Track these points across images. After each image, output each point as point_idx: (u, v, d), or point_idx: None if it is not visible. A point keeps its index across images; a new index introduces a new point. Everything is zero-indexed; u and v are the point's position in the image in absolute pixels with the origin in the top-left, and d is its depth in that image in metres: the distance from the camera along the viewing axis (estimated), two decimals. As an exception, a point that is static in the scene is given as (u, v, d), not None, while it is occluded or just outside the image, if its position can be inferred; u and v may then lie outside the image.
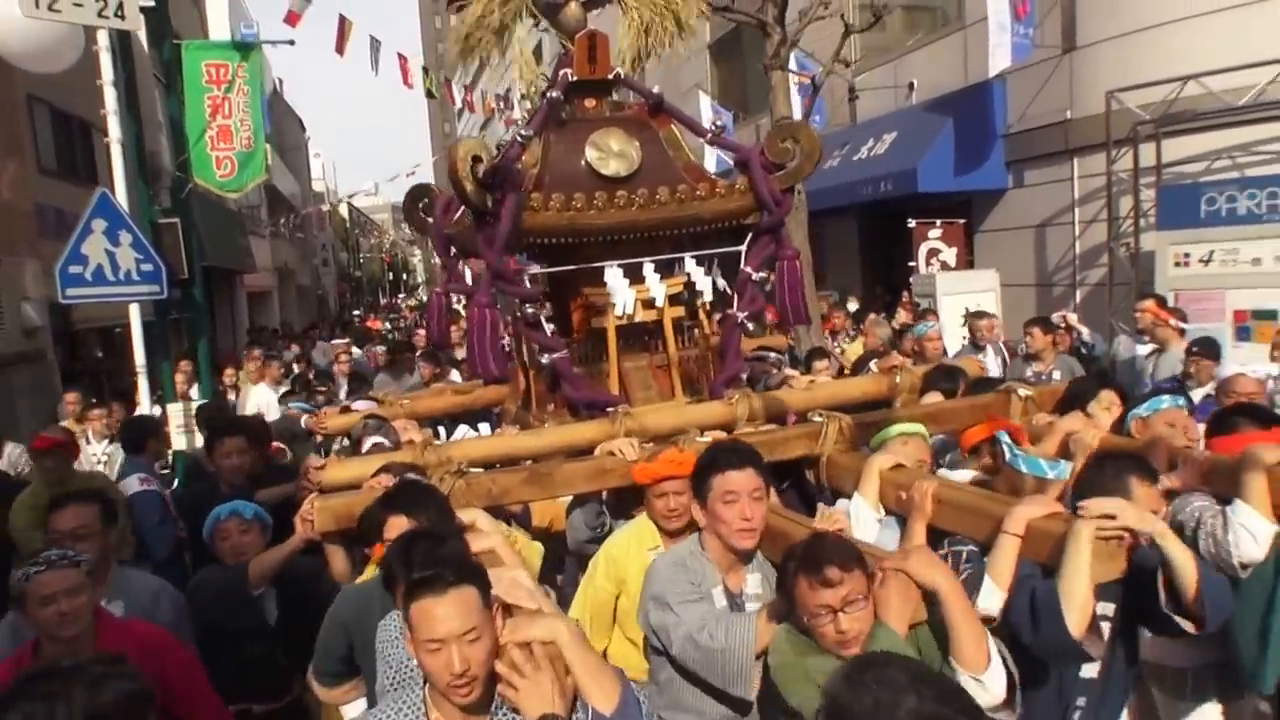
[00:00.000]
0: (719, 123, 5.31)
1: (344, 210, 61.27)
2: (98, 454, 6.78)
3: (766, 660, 2.37)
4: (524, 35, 4.38)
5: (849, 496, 3.38)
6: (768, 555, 2.82)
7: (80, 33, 6.16)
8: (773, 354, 6.13)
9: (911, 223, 11.05)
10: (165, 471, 6.11)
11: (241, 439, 4.58)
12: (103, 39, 6.16)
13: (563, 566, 3.92)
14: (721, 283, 4.23)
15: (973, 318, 7.75)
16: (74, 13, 5.82)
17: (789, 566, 2.27)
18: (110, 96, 6.11)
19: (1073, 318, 8.00)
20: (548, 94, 4.21)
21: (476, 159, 3.61)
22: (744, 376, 4.67)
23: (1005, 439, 3.12)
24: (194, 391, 7.36)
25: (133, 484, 4.84)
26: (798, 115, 13.65)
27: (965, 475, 3.31)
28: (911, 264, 11.14)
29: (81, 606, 2.73)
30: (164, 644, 2.93)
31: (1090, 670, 2.63)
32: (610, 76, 4.30)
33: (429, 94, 12.83)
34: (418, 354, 8.85)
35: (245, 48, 7.25)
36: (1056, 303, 10.50)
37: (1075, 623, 2.30)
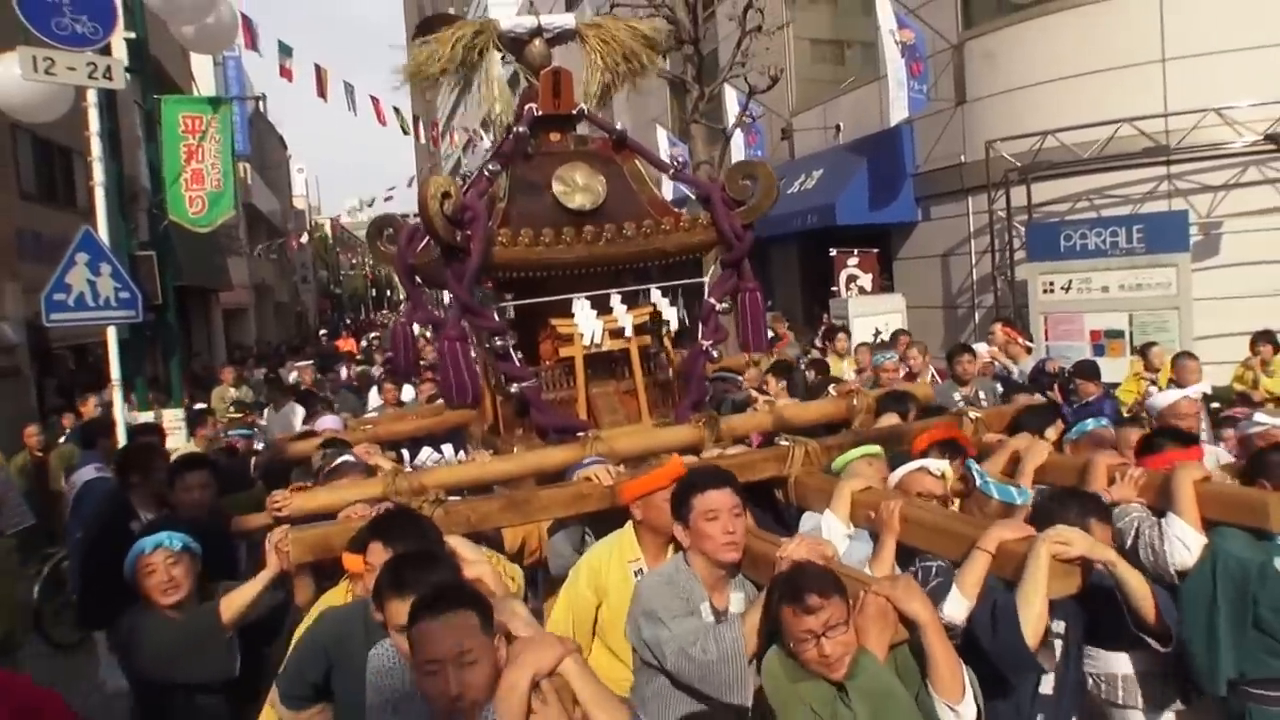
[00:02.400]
0: (679, 156, 5.90)
1: (327, 226, 61.93)
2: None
3: (762, 680, 2.43)
4: (497, 68, 4.45)
5: (816, 513, 3.52)
6: (748, 576, 2.90)
7: (71, 88, 7.08)
8: (735, 376, 6.35)
9: (833, 251, 12.12)
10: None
11: (205, 473, 4.27)
12: (91, 95, 7.10)
13: (534, 585, 3.90)
14: (682, 312, 4.37)
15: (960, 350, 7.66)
16: (68, 75, 6.78)
17: (773, 595, 2.37)
18: (96, 145, 7.05)
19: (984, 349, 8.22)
20: (513, 128, 4.28)
21: (446, 195, 3.71)
22: (708, 398, 4.78)
23: (975, 466, 3.32)
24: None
25: (88, 472, 5.79)
26: (741, 153, 14.85)
27: (911, 466, 3.37)
28: (834, 288, 12.20)
29: None
30: (41, 703, 2.57)
31: (1047, 687, 2.78)
32: (575, 111, 4.41)
33: (403, 130, 13.83)
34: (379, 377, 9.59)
35: (217, 102, 8.25)
36: (960, 324, 11.62)
37: (1031, 632, 2.45)
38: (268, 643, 3.29)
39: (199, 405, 9.45)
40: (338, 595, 3.04)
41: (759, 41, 10.60)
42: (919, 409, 4.54)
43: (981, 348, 7.97)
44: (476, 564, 2.65)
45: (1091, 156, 9.19)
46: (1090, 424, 3.96)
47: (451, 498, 3.50)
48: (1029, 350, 7.62)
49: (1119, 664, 3.11)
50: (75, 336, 13.33)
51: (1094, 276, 8.94)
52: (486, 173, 4.08)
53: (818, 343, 10.69)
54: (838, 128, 13.79)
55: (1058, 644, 2.79)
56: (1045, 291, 9.29)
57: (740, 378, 6.37)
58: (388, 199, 28.17)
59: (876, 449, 3.64)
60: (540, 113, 4.28)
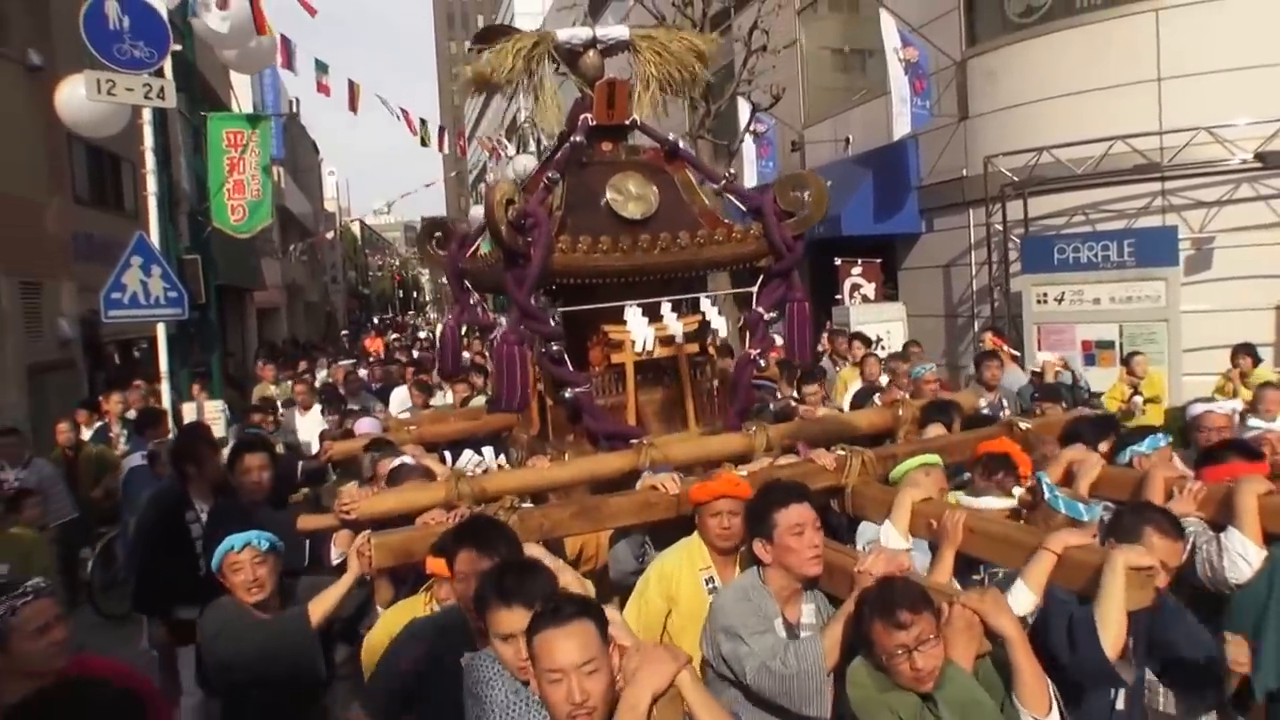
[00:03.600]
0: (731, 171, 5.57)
1: (355, 228, 62.97)
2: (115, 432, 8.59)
3: (846, 692, 2.43)
4: (552, 81, 4.51)
5: (874, 524, 3.56)
6: (822, 586, 2.92)
7: (129, 106, 7.73)
8: (770, 384, 6.41)
9: (837, 261, 12.57)
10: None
11: (264, 455, 4.46)
12: (145, 113, 7.76)
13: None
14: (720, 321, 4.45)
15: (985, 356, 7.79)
16: (126, 96, 7.43)
17: (864, 611, 2.39)
18: (150, 159, 7.71)
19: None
20: (570, 138, 4.32)
21: (510, 201, 3.77)
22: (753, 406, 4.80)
23: (1045, 479, 3.27)
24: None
25: (135, 459, 6.41)
26: (754, 165, 15.34)
27: (990, 503, 3.37)
28: (838, 297, 12.65)
29: (67, 638, 2.66)
30: (134, 683, 2.70)
31: (1121, 701, 2.73)
32: (628, 122, 4.46)
33: (422, 143, 14.44)
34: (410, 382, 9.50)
35: (256, 118, 8.92)
36: (960, 333, 12.03)
37: (1110, 644, 2.41)
38: (347, 641, 3.38)
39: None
40: (417, 604, 3.08)
41: (764, 60, 11.07)
42: (963, 418, 4.53)
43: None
44: (562, 572, 2.71)
45: (1086, 172, 9.60)
46: (1161, 440, 3.86)
47: (525, 505, 3.51)
48: (1015, 359, 8.05)
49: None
50: (122, 332, 14.08)
51: (1086, 289, 9.34)
52: (546, 180, 4.12)
53: (821, 346, 11.12)
54: (847, 140, 14.23)
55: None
56: (1039, 303, 9.70)
57: (772, 384, 6.43)
58: (404, 196, 28.96)
59: (934, 458, 3.60)
60: (595, 123, 4.32)
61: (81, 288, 12.86)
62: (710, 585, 3.14)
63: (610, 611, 2.24)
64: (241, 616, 3.18)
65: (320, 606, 3.19)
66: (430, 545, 3.01)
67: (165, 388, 7.87)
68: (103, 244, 13.96)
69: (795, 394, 6.68)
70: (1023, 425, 4.11)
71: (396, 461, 4.16)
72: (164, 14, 7.74)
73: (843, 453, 3.81)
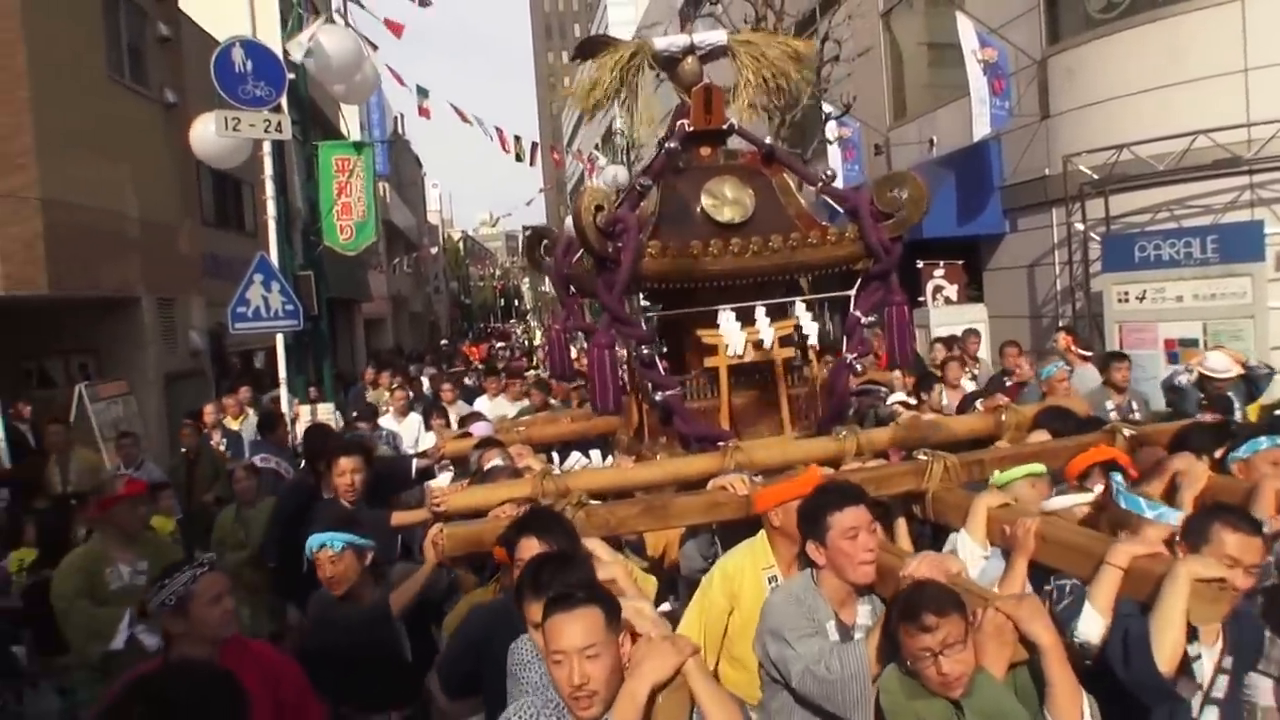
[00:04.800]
0: (824, 171, 5.35)
1: (458, 238, 65.11)
2: (243, 431, 9.35)
3: (878, 698, 2.42)
4: (649, 92, 4.56)
5: (937, 532, 3.54)
6: (876, 591, 2.85)
7: (250, 141, 8.63)
8: (881, 388, 6.30)
9: (919, 263, 12.65)
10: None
11: (358, 458, 4.64)
12: (265, 144, 8.64)
13: (674, 590, 4.02)
14: (829, 325, 4.73)
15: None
16: (249, 130, 8.32)
17: (891, 613, 2.37)
18: (269, 186, 8.59)
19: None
20: (666, 144, 4.35)
21: (599, 208, 3.81)
22: (851, 411, 4.80)
23: (1118, 477, 3.16)
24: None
25: (255, 461, 7.17)
26: (838, 168, 15.51)
27: (1067, 501, 3.25)
28: (921, 299, 12.72)
29: (234, 607, 2.90)
30: (277, 658, 3.04)
31: (1211, 717, 2.55)
32: (725, 127, 4.45)
33: (517, 158, 15.20)
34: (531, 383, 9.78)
35: (362, 146, 9.76)
36: (1045, 333, 11.93)
37: (1164, 660, 2.31)
38: (434, 623, 3.63)
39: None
40: (487, 591, 3.34)
41: (840, 67, 11.29)
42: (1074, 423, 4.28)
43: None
44: (611, 565, 2.77)
45: (1169, 168, 9.48)
46: (1264, 442, 3.51)
47: (593, 501, 3.57)
48: (1086, 359, 8.08)
49: (1263, 694, 2.76)
50: (243, 343, 15.29)
51: (1168, 286, 9.21)
52: (639, 187, 4.18)
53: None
54: (931, 142, 14.26)
55: (1206, 669, 2.54)
56: (1120, 301, 9.62)
57: (884, 388, 6.31)
58: (507, 215, 30.09)
59: (1040, 468, 3.46)
60: (692, 128, 4.36)
61: (209, 303, 14.09)
62: (773, 584, 3.13)
63: (638, 604, 2.33)
64: (333, 607, 3.53)
65: (402, 596, 3.53)
66: (497, 536, 3.13)
67: (283, 393, 8.71)
68: (226, 262, 15.23)
69: (914, 399, 6.53)
70: (1127, 431, 3.91)
71: (492, 462, 4.41)
72: (281, 56, 8.62)
73: (924, 457, 3.75)
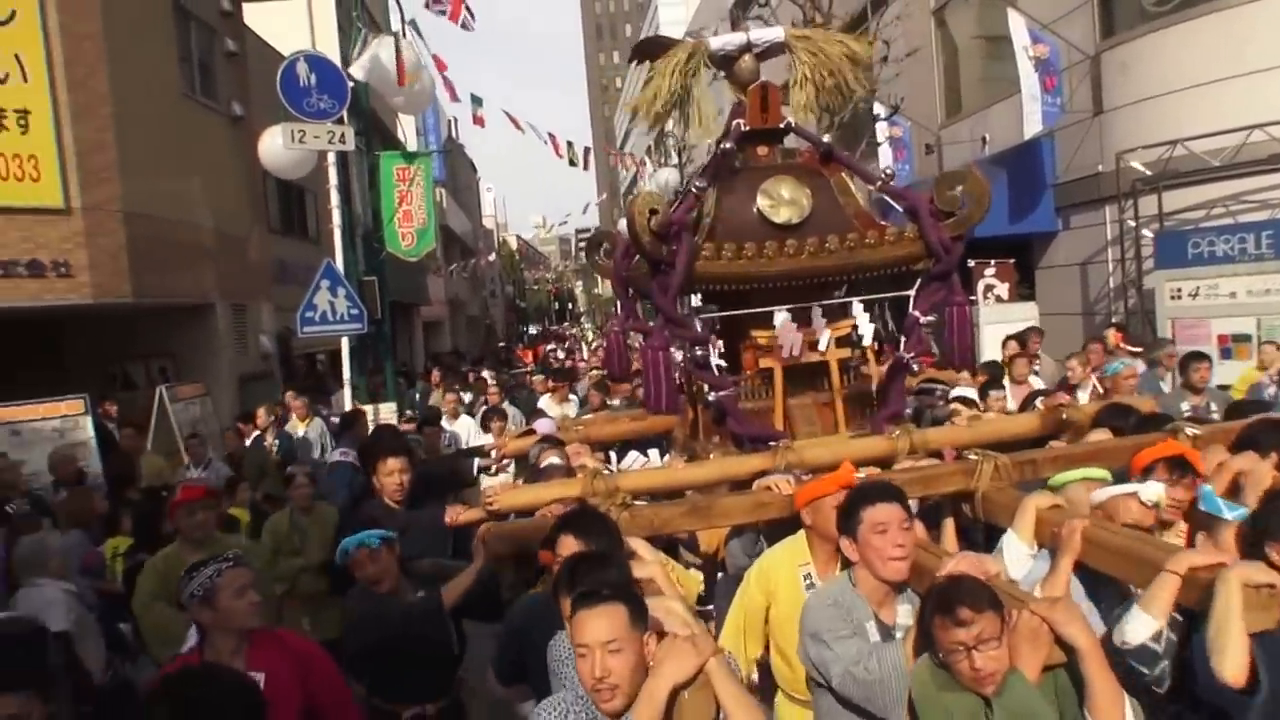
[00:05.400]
0: (884, 169, 5.45)
1: (513, 243, 66.01)
2: (308, 434, 9.72)
3: (912, 688, 2.41)
4: (703, 94, 4.46)
5: (989, 533, 3.46)
6: (916, 589, 2.81)
7: (315, 152, 9.07)
8: (940, 387, 6.16)
9: (970, 262, 12.62)
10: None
11: (403, 459, 4.63)
12: (329, 155, 9.07)
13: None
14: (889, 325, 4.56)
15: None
16: (314, 142, 8.75)
17: (926, 606, 2.36)
18: (334, 195, 9.01)
19: None
20: (721, 144, 4.30)
21: (653, 211, 3.82)
22: (908, 411, 4.70)
23: (1207, 488, 3.04)
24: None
25: (335, 455, 7.53)
26: (886, 162, 15.51)
27: (1112, 491, 3.09)
28: (972, 298, 12.70)
29: (260, 601, 2.96)
30: (310, 650, 3.11)
31: None
32: (782, 125, 4.38)
33: (570, 163, 15.54)
34: (590, 383, 10.03)
35: (421, 155, 10.15)
36: (1098, 331, 11.81)
37: (1230, 669, 2.24)
38: (486, 619, 3.67)
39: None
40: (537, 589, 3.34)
41: (888, 68, 11.34)
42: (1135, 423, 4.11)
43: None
44: (649, 565, 2.80)
45: (1224, 163, 9.38)
46: None
47: (638, 501, 3.59)
48: (1136, 355, 8.06)
49: None
50: (309, 346, 15.89)
51: (1221, 282, 9.12)
52: (694, 189, 4.16)
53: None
54: (984, 140, 14.20)
55: None
56: (1173, 298, 9.54)
57: (944, 387, 6.15)
58: (562, 224, 30.50)
59: (1101, 472, 3.29)
60: (748, 127, 4.30)
61: (277, 308, 14.70)
62: (808, 581, 3.16)
63: (670, 604, 2.38)
64: (380, 603, 3.54)
65: (454, 591, 3.54)
66: (542, 535, 3.14)
67: (347, 393, 9.11)
68: (291, 268, 15.87)
69: (976, 398, 6.34)
70: (1190, 431, 3.73)
71: (545, 463, 4.46)
72: (343, 69, 9.05)
73: (974, 457, 3.69)
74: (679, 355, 4.22)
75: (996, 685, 2.22)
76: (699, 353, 4.11)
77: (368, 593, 3.60)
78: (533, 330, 54.66)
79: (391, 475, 4.55)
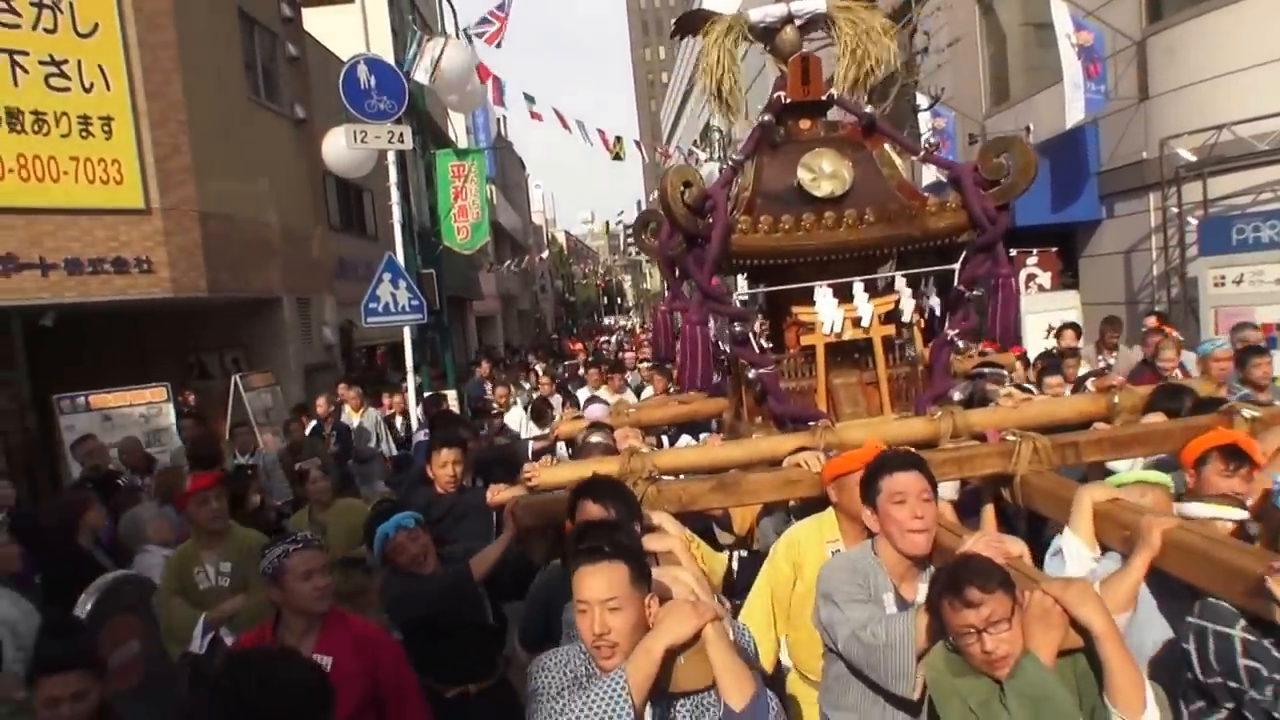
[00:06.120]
0: (928, 139, 5.39)
1: (561, 238, 66.70)
2: (364, 423, 10.10)
3: (926, 674, 2.34)
4: (741, 71, 4.46)
5: (1044, 518, 3.30)
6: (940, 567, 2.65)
7: (375, 151, 9.56)
8: (1001, 370, 5.92)
9: (1013, 252, 12.69)
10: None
11: (457, 451, 4.69)
12: (389, 154, 9.55)
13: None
14: (934, 301, 4.19)
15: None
16: (374, 142, 9.24)
17: (935, 588, 2.31)
18: (394, 193, 9.50)
19: None
20: (761, 118, 4.24)
21: (687, 184, 3.77)
22: (956, 394, 4.63)
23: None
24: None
25: (421, 435, 8.01)
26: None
27: (1208, 512, 2.75)
28: (1016, 286, 12.78)
29: (330, 586, 2.96)
30: (377, 636, 3.12)
31: None
32: (824, 98, 4.30)
33: (616, 157, 15.84)
34: (648, 367, 10.46)
35: (475, 152, 10.62)
36: (1143, 319, 11.86)
37: None
38: (511, 597, 3.68)
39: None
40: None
41: (930, 60, 11.46)
42: (1191, 406, 3.92)
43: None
44: (670, 539, 2.80)
45: (1271, 147, 9.37)
46: None
47: (666, 477, 3.59)
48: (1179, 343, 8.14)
49: None
50: (368, 339, 16.51)
51: (1266, 269, 9.14)
52: (730, 163, 4.14)
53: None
54: (1028, 129, 14.21)
55: None
56: (1216, 285, 9.57)
57: (1005, 371, 5.96)
58: (619, 222, 30.91)
59: (1161, 477, 3.02)
60: (789, 100, 4.22)
61: (339, 302, 15.33)
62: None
63: (680, 573, 2.42)
64: (415, 581, 3.58)
65: (482, 563, 3.58)
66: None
67: (410, 381, 9.61)
68: (350, 264, 16.49)
69: (1035, 385, 6.17)
70: (1248, 413, 3.49)
71: (589, 441, 4.57)
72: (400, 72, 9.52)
73: (1012, 438, 3.57)
74: (715, 331, 4.15)
75: (1009, 668, 2.17)
76: (738, 329, 4.07)
77: (402, 574, 3.62)
78: (579, 324, 55.15)
79: (445, 466, 4.62)
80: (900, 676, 2.41)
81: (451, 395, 9.58)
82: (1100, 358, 8.71)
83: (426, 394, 9.53)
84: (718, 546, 3.87)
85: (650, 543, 2.72)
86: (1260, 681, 2.27)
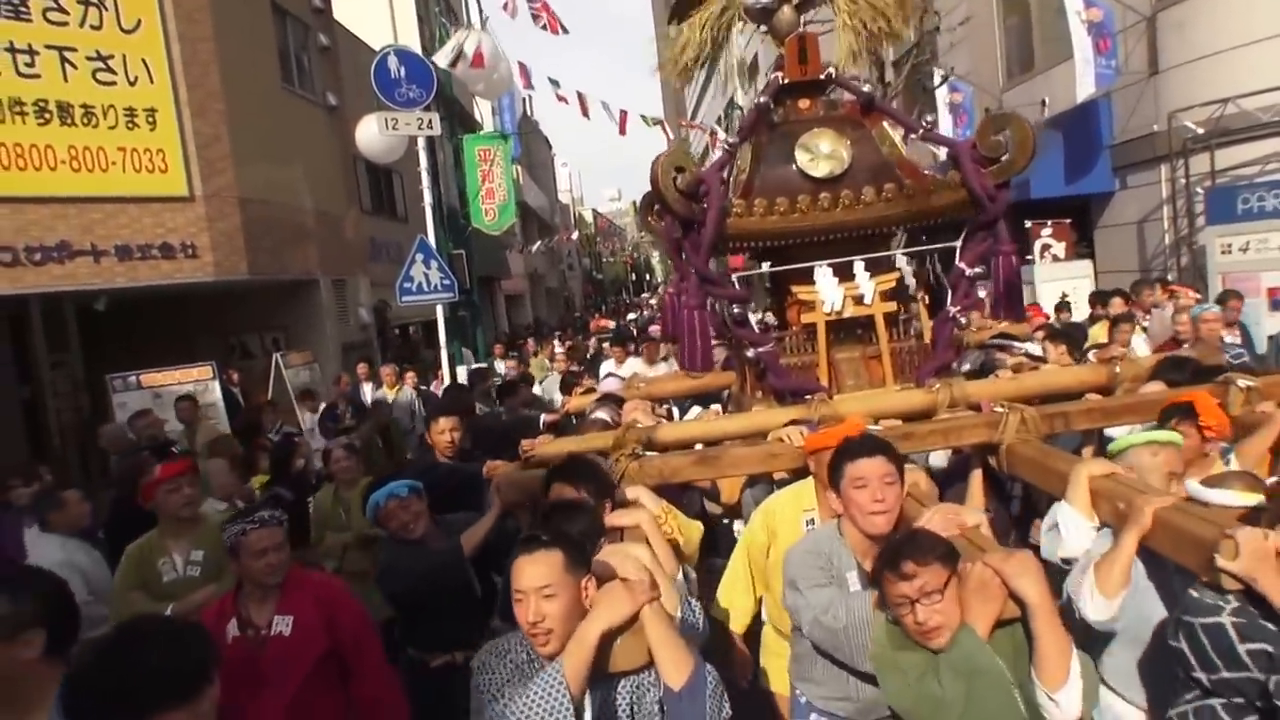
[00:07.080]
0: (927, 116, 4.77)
1: (588, 216, 66.95)
2: (400, 399, 10.64)
3: (870, 647, 2.38)
4: (738, 48, 5.26)
5: (1028, 486, 3.33)
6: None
7: (406, 137, 10.02)
8: (1015, 343, 5.76)
9: (1028, 223, 12.94)
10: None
11: (455, 419, 4.73)
12: (420, 141, 10.02)
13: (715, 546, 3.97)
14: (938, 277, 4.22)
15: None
16: (405, 129, 9.70)
17: (878, 561, 2.32)
18: (424, 177, 9.97)
19: None
20: (758, 99, 4.26)
21: (679, 169, 3.75)
22: (967, 365, 4.67)
23: None
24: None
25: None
26: (950, 134, 15.72)
27: (1225, 498, 2.48)
28: (1030, 257, 13.03)
29: (285, 560, 3.05)
30: (336, 593, 3.17)
31: None
32: (822, 76, 4.26)
33: (647, 121, 16.03)
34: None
35: (502, 137, 11.08)
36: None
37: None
38: (495, 570, 3.58)
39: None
40: None
41: (943, 38, 11.66)
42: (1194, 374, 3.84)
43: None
44: (636, 513, 2.82)
45: (1276, 119, 9.56)
46: None
47: (649, 452, 3.60)
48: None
49: None
50: (401, 318, 17.06)
51: (1271, 236, 9.36)
52: (725, 146, 4.14)
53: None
54: (1043, 103, 14.37)
55: None
56: (1223, 253, 9.80)
57: (1019, 344, 5.78)
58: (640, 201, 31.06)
59: (1169, 436, 2.90)
60: (786, 80, 4.18)
61: (373, 283, 15.88)
62: (810, 526, 3.17)
63: (630, 548, 2.43)
64: (408, 551, 3.62)
65: (472, 538, 3.62)
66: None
67: (444, 356, 10.11)
68: (381, 246, 17.02)
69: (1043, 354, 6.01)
70: (1243, 383, 3.46)
71: (592, 415, 4.62)
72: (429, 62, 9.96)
73: (1000, 408, 3.55)
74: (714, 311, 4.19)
75: (943, 640, 2.19)
76: (736, 310, 4.14)
77: (396, 541, 3.68)
78: (606, 302, 55.48)
79: (443, 434, 4.75)
80: (862, 653, 2.48)
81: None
82: (1139, 318, 8.69)
83: (473, 366, 9.95)
84: (706, 519, 3.93)
85: (616, 519, 2.79)
86: (1277, 662, 2.09)
